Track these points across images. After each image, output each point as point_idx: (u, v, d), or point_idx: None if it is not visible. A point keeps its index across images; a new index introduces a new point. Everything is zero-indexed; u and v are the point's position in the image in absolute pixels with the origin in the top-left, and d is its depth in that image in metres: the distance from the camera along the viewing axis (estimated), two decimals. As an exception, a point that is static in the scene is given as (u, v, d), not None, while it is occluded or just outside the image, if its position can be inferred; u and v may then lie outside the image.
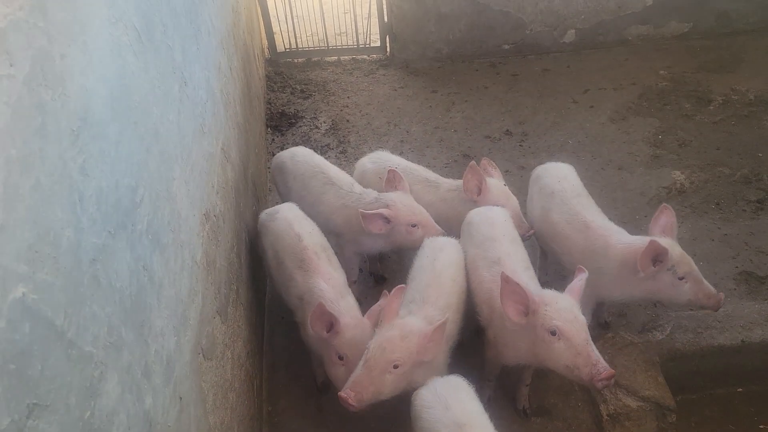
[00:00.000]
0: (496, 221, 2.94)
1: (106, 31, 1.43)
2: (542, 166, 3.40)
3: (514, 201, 3.17)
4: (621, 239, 2.81)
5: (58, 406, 1.04)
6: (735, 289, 3.41)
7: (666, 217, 2.81)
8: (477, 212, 3.06)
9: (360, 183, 3.42)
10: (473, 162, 3.15)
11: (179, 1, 2.26)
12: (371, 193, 3.21)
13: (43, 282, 1.02)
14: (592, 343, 2.31)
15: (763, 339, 2.82)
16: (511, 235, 2.90)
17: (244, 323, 2.76)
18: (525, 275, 2.67)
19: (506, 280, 2.40)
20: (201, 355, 2.00)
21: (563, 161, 4.35)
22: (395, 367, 2.33)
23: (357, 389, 2.31)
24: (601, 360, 2.25)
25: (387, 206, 3.05)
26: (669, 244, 2.64)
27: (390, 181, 3.19)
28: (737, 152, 4.35)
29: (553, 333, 2.32)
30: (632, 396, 2.66)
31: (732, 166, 4.24)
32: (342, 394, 2.32)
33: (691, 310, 3.01)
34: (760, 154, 4.31)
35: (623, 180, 4.21)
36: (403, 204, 3.08)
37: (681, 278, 2.62)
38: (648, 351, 2.79)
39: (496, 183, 3.18)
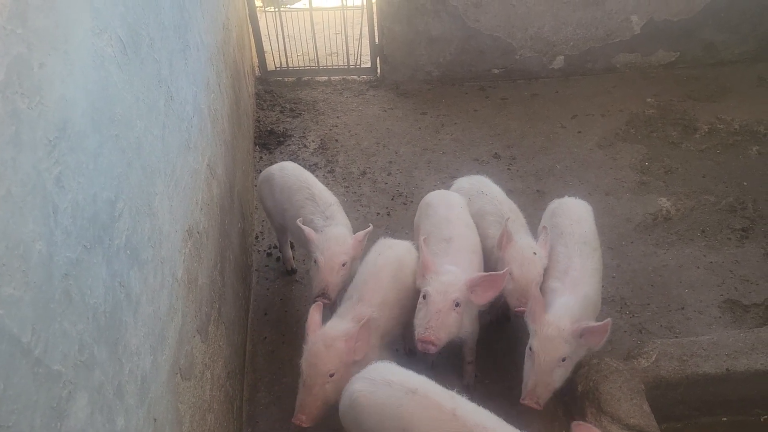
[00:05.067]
0: (453, 204, 3.19)
1: (89, 41, 1.41)
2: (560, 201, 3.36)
3: (528, 270, 2.90)
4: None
5: (22, 426, 1.00)
6: (720, 317, 3.40)
7: None
8: (435, 194, 3.31)
9: (463, 203, 3.41)
10: (509, 219, 3.09)
11: (168, 16, 2.24)
12: (332, 221, 3.19)
13: (10, 296, 0.98)
14: (443, 317, 2.59)
15: (748, 368, 2.80)
16: (466, 220, 3.14)
17: (225, 343, 2.71)
18: (470, 257, 2.94)
19: (425, 242, 2.85)
20: (179, 375, 1.95)
21: (551, 186, 4.40)
22: (331, 376, 2.49)
23: (305, 411, 2.48)
24: (432, 330, 2.56)
25: (322, 232, 3.09)
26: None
27: (361, 232, 3.17)
28: (723, 180, 4.38)
29: (424, 297, 2.67)
30: (617, 424, 2.62)
31: (717, 194, 4.26)
32: (294, 420, 2.50)
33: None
34: (745, 183, 4.34)
35: (610, 206, 4.22)
36: (327, 237, 3.06)
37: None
38: (633, 378, 2.76)
39: (524, 246, 2.99)
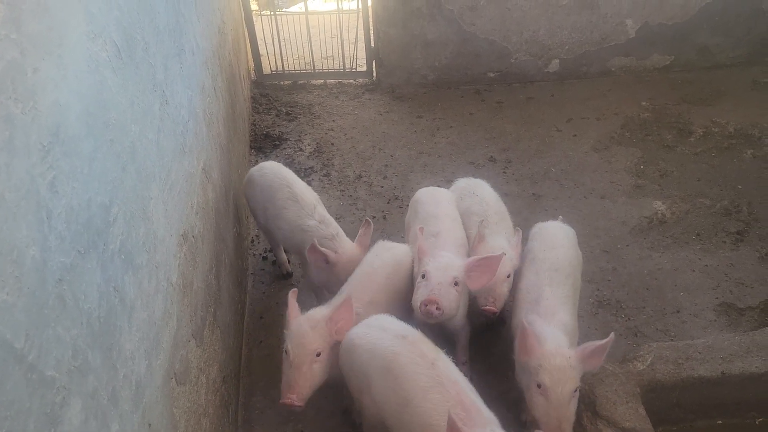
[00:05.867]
0: (440, 201, 3.28)
1: (83, 46, 1.41)
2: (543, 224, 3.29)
3: (499, 269, 2.82)
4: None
5: (15, 433, 0.99)
6: (715, 320, 3.41)
7: None
8: (424, 192, 3.41)
9: (450, 198, 3.41)
10: (483, 221, 3.13)
11: (163, 20, 2.24)
12: (331, 229, 3.19)
13: (4, 302, 0.98)
14: (445, 288, 2.65)
15: (743, 371, 2.80)
16: (452, 215, 3.23)
17: (220, 347, 2.70)
18: (457, 249, 3.00)
19: (421, 231, 2.94)
20: (173, 379, 1.94)
21: (546, 189, 4.40)
22: (318, 355, 2.54)
23: (295, 390, 2.49)
24: (432, 298, 2.60)
25: (336, 251, 3.06)
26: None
27: (362, 235, 3.17)
28: (717, 184, 4.40)
29: (423, 276, 2.72)
30: (612, 427, 2.62)
31: (712, 197, 4.27)
32: (284, 401, 2.48)
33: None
34: (740, 186, 4.35)
35: (605, 209, 4.23)
36: (348, 257, 3.06)
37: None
38: (629, 382, 2.76)
39: (494, 246, 2.98)
